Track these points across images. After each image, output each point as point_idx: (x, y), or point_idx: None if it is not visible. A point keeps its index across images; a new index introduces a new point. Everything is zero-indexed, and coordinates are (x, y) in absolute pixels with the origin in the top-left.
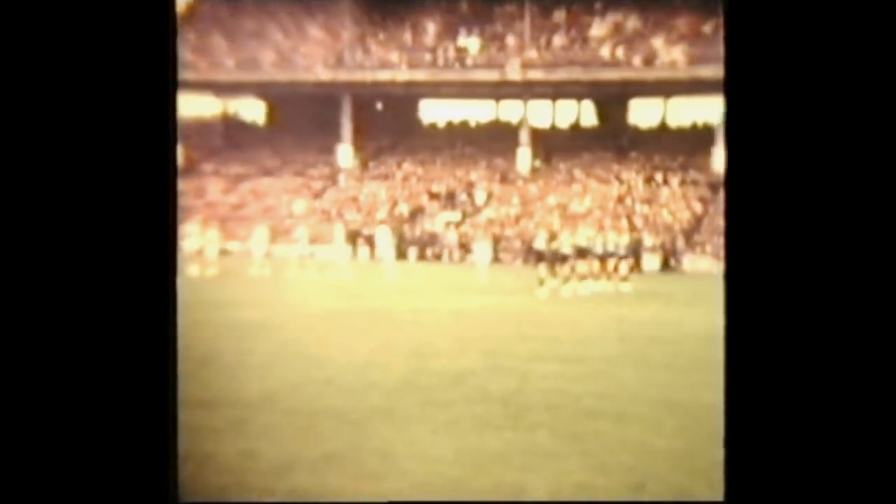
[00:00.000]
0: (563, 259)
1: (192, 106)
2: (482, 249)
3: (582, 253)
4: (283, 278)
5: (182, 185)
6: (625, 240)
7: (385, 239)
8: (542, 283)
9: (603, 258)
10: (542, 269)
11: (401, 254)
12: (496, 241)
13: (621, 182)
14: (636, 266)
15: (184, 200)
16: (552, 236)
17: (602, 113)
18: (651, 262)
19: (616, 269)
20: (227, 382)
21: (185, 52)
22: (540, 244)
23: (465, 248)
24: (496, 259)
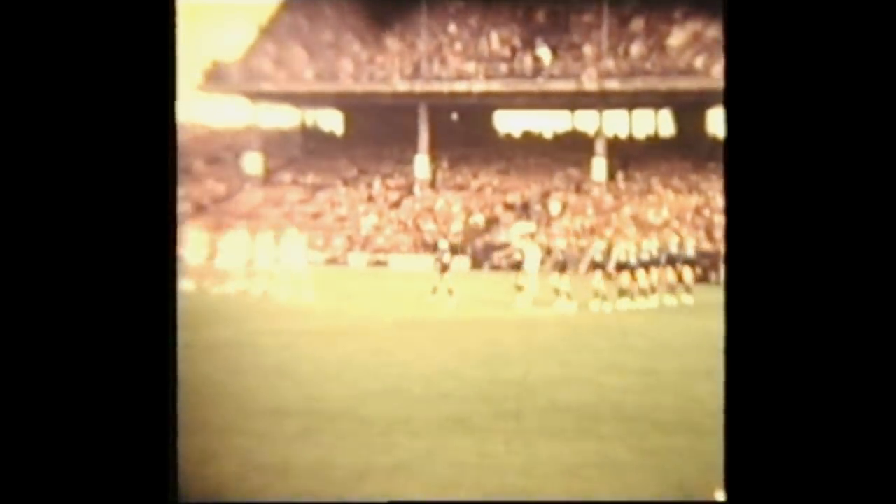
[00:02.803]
0: (626, 269)
1: (271, 116)
2: (532, 257)
3: (643, 264)
4: (358, 287)
5: (260, 193)
6: (690, 249)
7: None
8: (596, 294)
9: (666, 267)
10: (599, 280)
11: (476, 263)
12: (548, 251)
13: (700, 193)
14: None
15: (261, 209)
16: (609, 247)
17: (680, 123)
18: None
19: (680, 279)
20: (301, 391)
21: (264, 64)
22: (597, 255)
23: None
24: (562, 269)
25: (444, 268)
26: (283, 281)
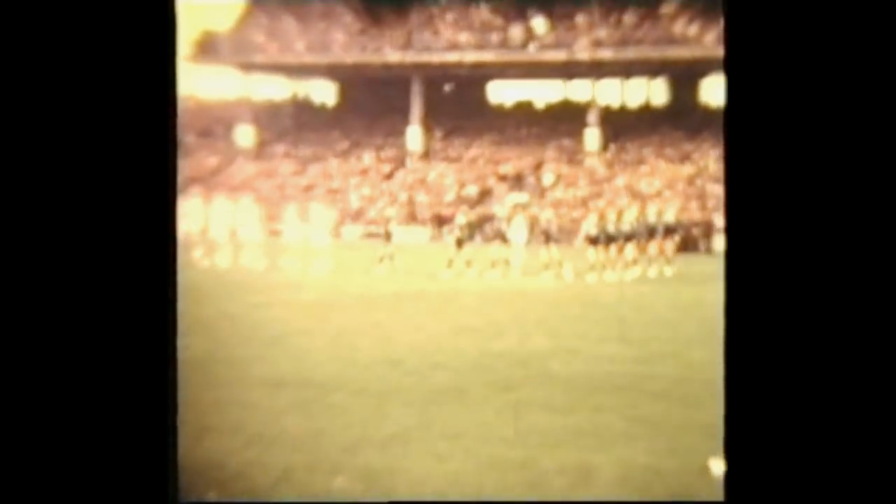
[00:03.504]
0: (615, 241)
1: (262, 88)
2: (517, 229)
3: (630, 235)
4: (351, 259)
5: (253, 166)
6: (669, 219)
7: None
8: (588, 265)
9: (655, 237)
10: (592, 252)
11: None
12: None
13: (692, 162)
14: (698, 245)
15: (254, 182)
16: (601, 218)
17: (673, 92)
18: (721, 242)
19: (662, 250)
20: (295, 363)
21: (256, 35)
22: (590, 228)
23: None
24: (547, 240)
25: (460, 242)
26: (293, 254)
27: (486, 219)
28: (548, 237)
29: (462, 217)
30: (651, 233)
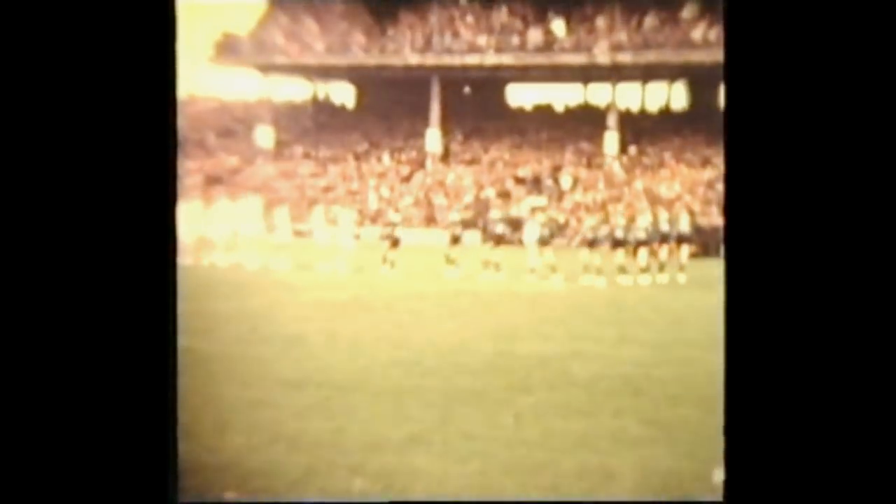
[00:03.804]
0: (639, 245)
1: (282, 89)
2: (531, 231)
3: (656, 238)
4: (370, 260)
5: (272, 167)
6: (686, 225)
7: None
8: (587, 268)
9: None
10: (604, 255)
11: (486, 238)
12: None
13: (712, 166)
14: (717, 250)
15: (273, 182)
16: (631, 220)
17: (693, 96)
18: None
19: (675, 254)
20: (315, 363)
21: (276, 36)
22: (618, 232)
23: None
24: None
25: (455, 239)
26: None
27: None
28: (549, 239)
29: (455, 215)
30: (664, 238)
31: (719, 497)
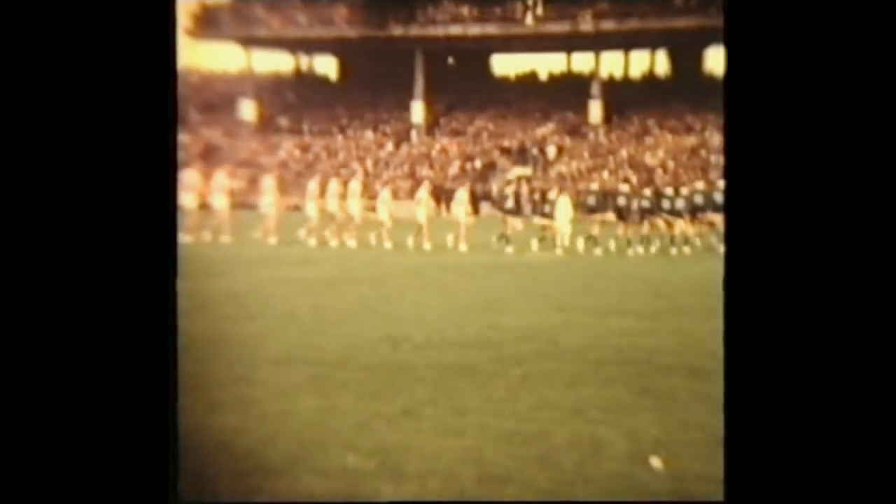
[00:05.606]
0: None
1: (265, 62)
2: (563, 205)
3: (652, 210)
4: (356, 234)
5: (255, 142)
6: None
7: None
8: (589, 238)
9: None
10: (597, 224)
11: (474, 209)
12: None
13: (696, 133)
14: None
15: (257, 157)
16: (633, 191)
17: (676, 63)
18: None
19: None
20: (305, 340)
21: (258, 9)
22: (621, 201)
23: (536, 203)
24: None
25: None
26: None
27: (490, 193)
28: (543, 211)
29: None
30: (666, 209)
31: (718, 496)
